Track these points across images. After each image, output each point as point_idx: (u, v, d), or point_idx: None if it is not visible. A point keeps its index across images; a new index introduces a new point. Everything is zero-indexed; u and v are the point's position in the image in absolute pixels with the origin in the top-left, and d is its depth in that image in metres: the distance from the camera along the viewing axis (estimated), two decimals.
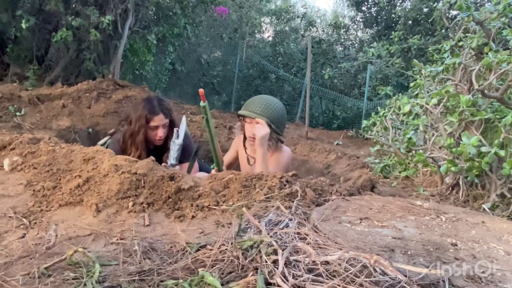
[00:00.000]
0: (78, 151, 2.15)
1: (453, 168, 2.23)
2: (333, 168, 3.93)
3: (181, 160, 2.73)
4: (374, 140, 3.58)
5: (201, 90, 2.33)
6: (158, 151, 2.77)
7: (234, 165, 2.93)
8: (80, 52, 5.40)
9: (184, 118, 2.72)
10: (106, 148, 2.54)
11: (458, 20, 3.20)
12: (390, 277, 0.91)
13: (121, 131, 2.78)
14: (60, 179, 1.94)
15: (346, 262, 1.00)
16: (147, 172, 1.88)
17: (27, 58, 5.37)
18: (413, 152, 2.77)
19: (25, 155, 2.18)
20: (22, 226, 1.60)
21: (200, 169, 2.91)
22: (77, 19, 4.91)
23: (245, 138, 2.68)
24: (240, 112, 2.58)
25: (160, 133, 2.65)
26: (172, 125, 2.71)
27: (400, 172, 2.95)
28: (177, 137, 2.55)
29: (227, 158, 2.91)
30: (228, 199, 1.83)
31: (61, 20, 5.20)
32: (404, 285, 0.87)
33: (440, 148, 2.66)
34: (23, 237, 1.53)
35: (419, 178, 2.89)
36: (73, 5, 5.13)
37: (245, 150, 2.74)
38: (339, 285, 0.90)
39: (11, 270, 1.25)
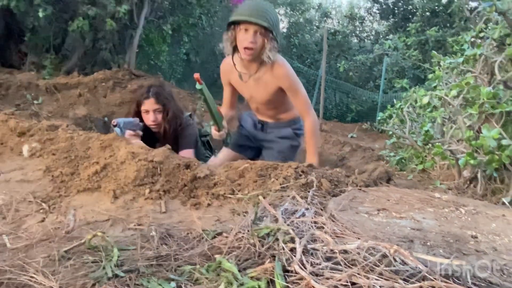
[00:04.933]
0: (96, 138, 2.16)
1: (472, 161, 2.19)
2: (348, 161, 3.90)
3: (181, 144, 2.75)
4: (390, 132, 3.54)
5: (196, 75, 2.26)
6: (154, 137, 2.77)
7: (236, 101, 2.72)
8: (96, 42, 5.43)
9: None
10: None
11: (480, 11, 3.13)
12: (410, 267, 0.90)
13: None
14: (78, 166, 1.96)
15: (365, 251, 0.99)
16: (163, 160, 1.89)
17: (44, 47, 5.43)
18: (430, 145, 2.73)
19: (43, 141, 2.21)
20: (41, 211, 1.63)
21: (197, 155, 2.79)
22: (94, 8, 4.93)
23: (233, 53, 2.33)
24: (234, 18, 2.18)
25: (152, 117, 2.64)
26: (168, 113, 2.66)
27: (416, 165, 2.91)
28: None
29: (225, 99, 2.71)
30: (244, 188, 1.83)
31: (77, 9, 5.23)
32: (426, 274, 0.86)
33: (458, 141, 2.62)
34: (42, 221, 1.56)
35: (435, 172, 2.85)
36: None
37: (235, 67, 2.39)
38: (358, 274, 0.89)
39: (31, 253, 1.28)
